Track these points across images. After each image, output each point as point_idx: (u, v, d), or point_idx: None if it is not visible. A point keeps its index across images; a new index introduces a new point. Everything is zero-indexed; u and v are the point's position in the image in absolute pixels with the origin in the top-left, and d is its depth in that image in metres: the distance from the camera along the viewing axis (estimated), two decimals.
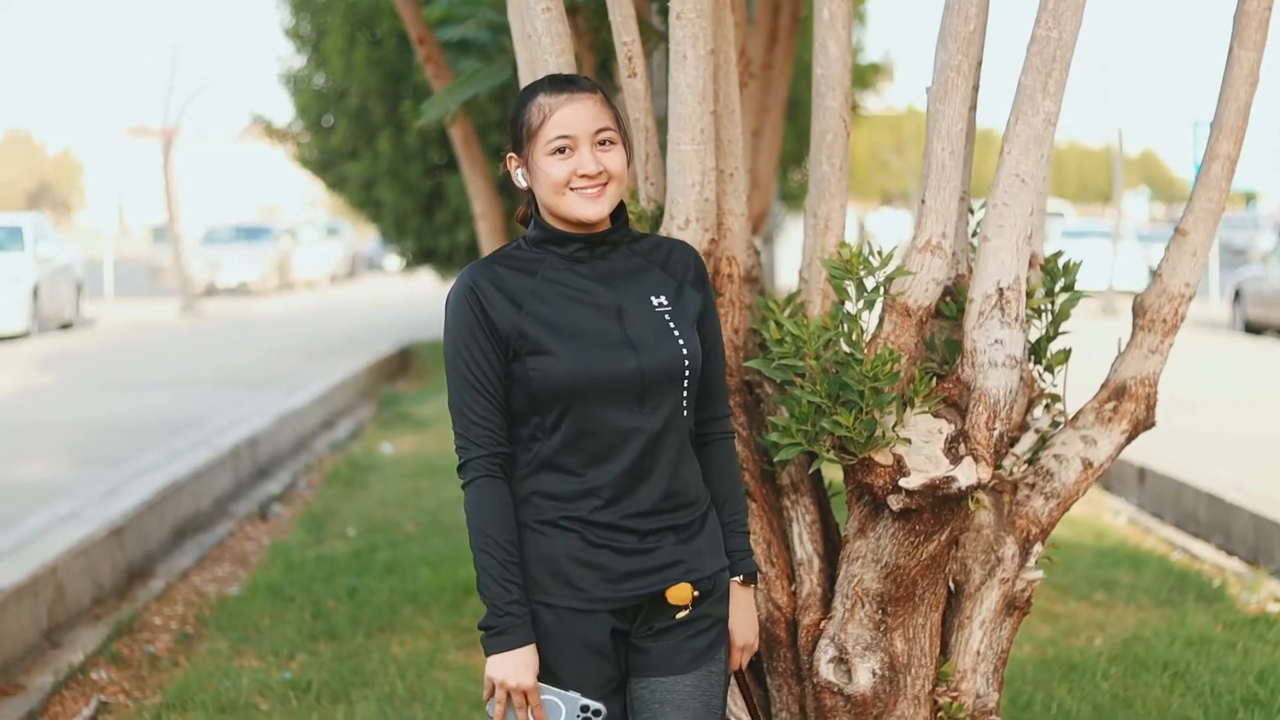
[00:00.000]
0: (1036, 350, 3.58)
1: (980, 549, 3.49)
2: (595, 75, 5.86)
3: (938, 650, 3.50)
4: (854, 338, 3.34)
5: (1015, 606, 3.55)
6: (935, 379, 3.38)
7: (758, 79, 6.47)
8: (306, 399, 13.46)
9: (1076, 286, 3.62)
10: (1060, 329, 3.62)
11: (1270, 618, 6.62)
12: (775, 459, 3.45)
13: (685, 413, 2.92)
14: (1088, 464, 3.51)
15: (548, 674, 2.87)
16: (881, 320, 3.40)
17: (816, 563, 3.59)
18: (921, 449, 3.27)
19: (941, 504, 3.28)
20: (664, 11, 4.42)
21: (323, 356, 18.25)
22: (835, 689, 3.41)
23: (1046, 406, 3.56)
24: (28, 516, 7.85)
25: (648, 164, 3.71)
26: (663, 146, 3.64)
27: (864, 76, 20.68)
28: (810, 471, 3.58)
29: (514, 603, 2.82)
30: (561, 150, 2.84)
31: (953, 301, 3.50)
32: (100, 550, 7.30)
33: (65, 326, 24.53)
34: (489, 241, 7.62)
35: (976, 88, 3.44)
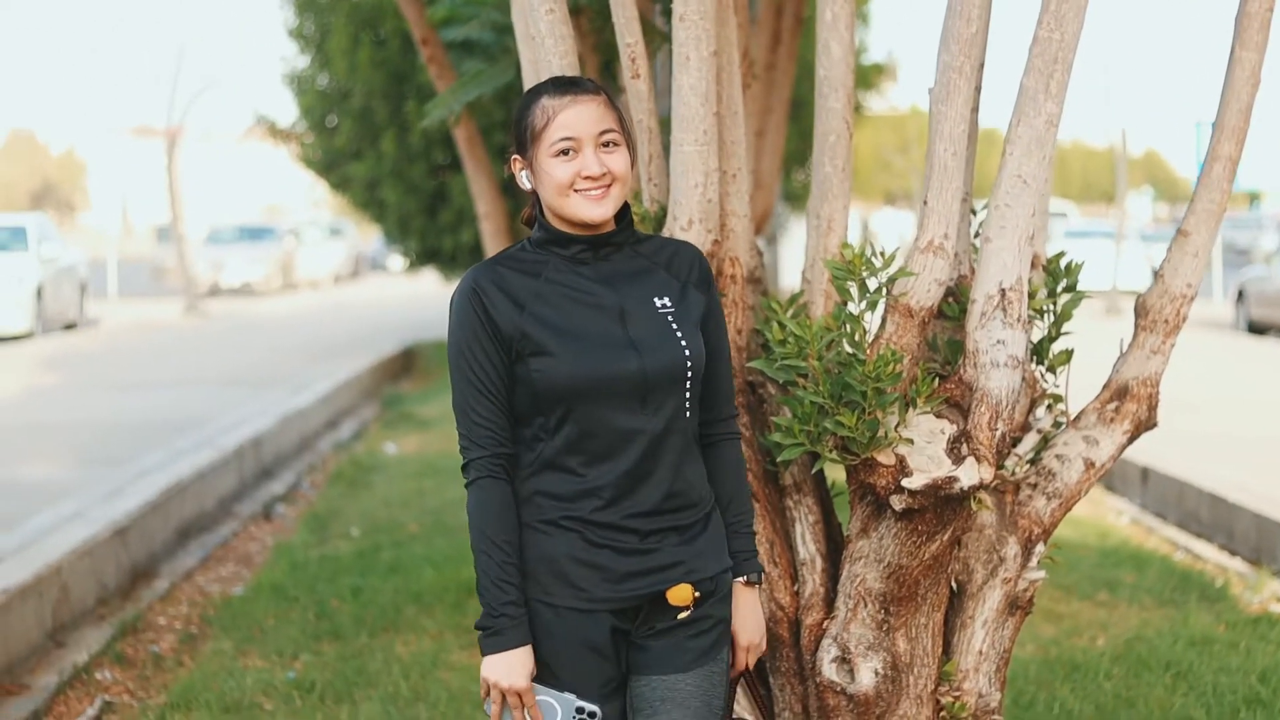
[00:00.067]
0: (1039, 351, 3.59)
1: (982, 549, 3.50)
2: (599, 76, 5.87)
3: (940, 650, 3.51)
4: (856, 338, 3.35)
5: (1017, 606, 3.55)
6: (938, 379, 3.39)
7: (761, 80, 6.48)
8: (310, 399, 13.48)
9: (1079, 287, 3.63)
10: (1062, 329, 3.63)
11: (1273, 617, 6.63)
12: (778, 459, 3.46)
13: (688, 414, 2.93)
14: (1090, 464, 3.52)
15: (547, 673, 2.88)
16: (884, 321, 3.41)
17: (819, 562, 3.59)
18: (924, 449, 3.28)
19: (944, 504, 3.29)
20: (667, 13, 4.42)
21: (326, 357, 18.27)
22: (838, 688, 3.42)
23: (1049, 407, 3.57)
24: (32, 516, 7.87)
25: (651, 165, 3.72)
26: (666, 147, 3.65)
27: (867, 77, 20.66)
28: (813, 472, 3.59)
29: (510, 604, 2.83)
30: (565, 152, 2.85)
31: (955, 302, 3.51)
32: (105, 550, 7.31)
33: (69, 327, 24.55)
34: (492, 242, 7.63)
35: (979, 89, 3.45)
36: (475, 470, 2.87)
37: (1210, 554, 8.10)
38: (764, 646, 3.14)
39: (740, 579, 3.05)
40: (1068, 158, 77.01)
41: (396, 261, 42.68)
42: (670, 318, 2.91)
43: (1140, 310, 3.56)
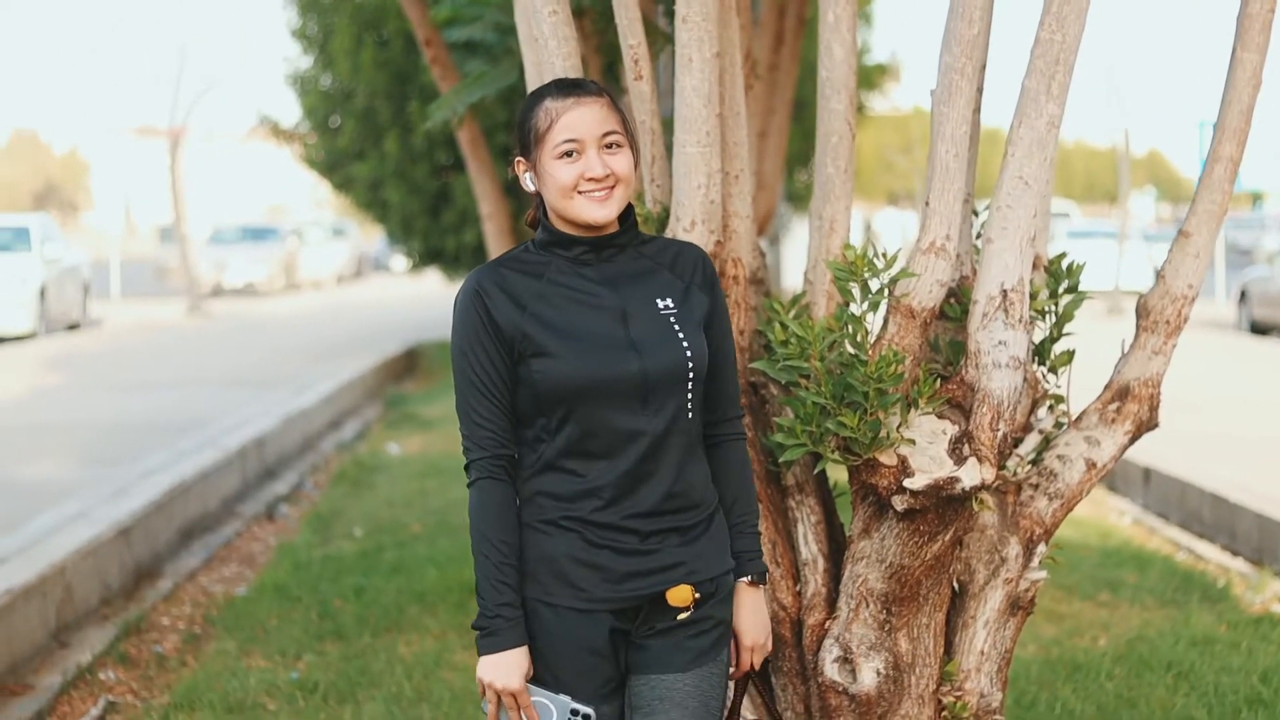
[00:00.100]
0: (1040, 351, 3.60)
1: (984, 549, 3.51)
2: (601, 78, 5.88)
3: (942, 650, 3.52)
4: (858, 339, 3.36)
5: (1019, 606, 3.56)
6: (939, 380, 3.40)
7: (763, 80, 6.49)
8: (313, 399, 13.48)
9: (1080, 288, 3.64)
10: (1064, 330, 3.64)
11: (1274, 618, 6.63)
12: (780, 460, 3.46)
13: (690, 415, 2.93)
14: (1091, 465, 3.53)
15: (546, 672, 2.89)
16: (886, 322, 3.42)
17: (821, 563, 3.60)
18: (926, 450, 3.29)
19: (945, 504, 3.30)
20: (670, 14, 4.44)
21: (329, 357, 18.28)
22: (840, 688, 3.43)
23: (1050, 407, 3.58)
24: (36, 517, 7.87)
25: (654, 166, 3.73)
26: (668, 149, 3.66)
27: (870, 77, 20.66)
28: (815, 472, 3.60)
29: (505, 605, 2.84)
30: (569, 154, 2.86)
31: (957, 303, 3.51)
32: (108, 551, 7.32)
33: (72, 327, 24.57)
34: (495, 242, 7.64)
35: (980, 90, 3.46)
36: (476, 471, 2.88)
37: (1212, 554, 8.11)
38: (769, 647, 3.12)
39: (745, 579, 3.04)
40: (1070, 158, 77.00)
41: (399, 262, 42.70)
42: (672, 318, 2.92)
43: (1142, 311, 3.57)
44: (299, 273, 40.99)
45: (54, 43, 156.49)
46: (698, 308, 2.97)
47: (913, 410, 3.32)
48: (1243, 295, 22.67)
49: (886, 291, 3.41)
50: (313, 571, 7.64)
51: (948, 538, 3.36)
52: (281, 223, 46.52)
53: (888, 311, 3.41)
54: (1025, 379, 3.39)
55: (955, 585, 3.54)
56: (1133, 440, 3.57)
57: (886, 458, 3.28)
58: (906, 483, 3.26)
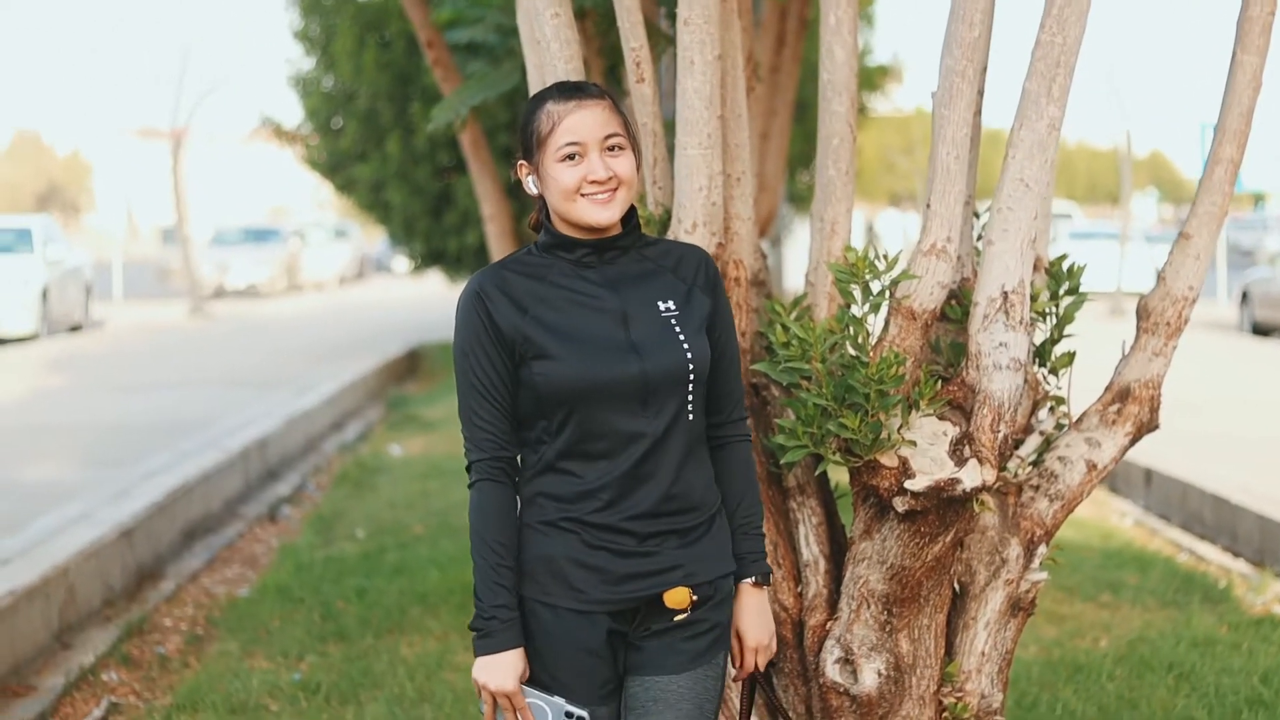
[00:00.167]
0: (1041, 353, 3.61)
1: (985, 550, 3.52)
2: (603, 80, 5.88)
3: (943, 651, 3.52)
4: (860, 341, 3.36)
5: (1020, 608, 3.57)
6: (940, 382, 3.41)
7: (765, 82, 6.50)
8: (315, 401, 13.49)
9: (1081, 289, 3.64)
10: (1065, 331, 3.65)
11: (1275, 619, 6.64)
12: (781, 461, 3.47)
13: (691, 416, 2.93)
14: (1091, 466, 3.54)
15: (544, 673, 2.89)
16: (887, 323, 3.42)
17: (822, 564, 3.61)
18: (926, 451, 3.30)
19: (946, 506, 3.31)
20: (672, 17, 4.44)
21: (331, 358, 18.29)
22: (841, 689, 3.44)
23: (1051, 409, 3.59)
24: (38, 518, 7.88)
25: (655, 168, 3.73)
26: (670, 151, 3.66)
27: (872, 78, 20.67)
28: (816, 474, 3.60)
29: (501, 606, 2.85)
30: (571, 157, 2.87)
31: (958, 305, 3.52)
32: (110, 552, 7.33)
33: (74, 328, 24.58)
34: (497, 244, 7.65)
35: (981, 92, 3.46)
36: (476, 473, 2.89)
37: (1213, 555, 8.11)
38: (773, 648, 3.11)
39: (748, 580, 3.04)
40: (1072, 159, 76.98)
41: (401, 263, 42.68)
42: (673, 321, 2.92)
43: (1142, 313, 3.58)
44: (301, 274, 41.00)
45: (56, 44, 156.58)
46: (700, 310, 2.97)
47: (914, 412, 3.33)
48: (1244, 296, 22.66)
49: (888, 293, 3.41)
50: (315, 573, 7.65)
51: (948, 539, 3.37)
52: (284, 224, 46.51)
53: (889, 313, 3.42)
54: (1026, 380, 3.40)
55: (956, 586, 3.55)
56: (1133, 442, 3.58)
57: (887, 459, 3.29)
58: (907, 484, 3.27)
